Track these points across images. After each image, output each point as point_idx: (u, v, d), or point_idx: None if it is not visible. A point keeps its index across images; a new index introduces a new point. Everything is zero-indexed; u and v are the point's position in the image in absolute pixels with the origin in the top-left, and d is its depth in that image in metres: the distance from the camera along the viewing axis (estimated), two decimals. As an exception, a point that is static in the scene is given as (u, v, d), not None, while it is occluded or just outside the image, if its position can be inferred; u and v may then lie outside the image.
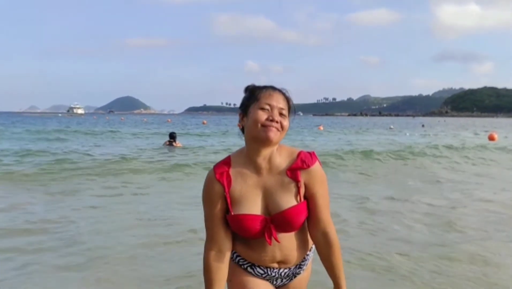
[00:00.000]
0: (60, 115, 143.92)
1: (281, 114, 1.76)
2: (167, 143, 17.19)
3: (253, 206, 1.77)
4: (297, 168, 1.78)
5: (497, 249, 4.61)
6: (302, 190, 1.79)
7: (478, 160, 14.33)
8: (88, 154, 14.04)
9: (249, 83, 1.85)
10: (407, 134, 34.30)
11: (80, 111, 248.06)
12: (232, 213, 1.78)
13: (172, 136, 17.39)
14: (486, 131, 37.45)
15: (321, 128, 46.00)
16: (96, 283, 3.74)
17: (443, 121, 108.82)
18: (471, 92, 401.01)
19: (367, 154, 14.46)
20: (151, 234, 5.13)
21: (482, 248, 4.60)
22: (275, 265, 1.86)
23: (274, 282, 1.92)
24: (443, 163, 13.31)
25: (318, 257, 1.89)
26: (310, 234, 1.88)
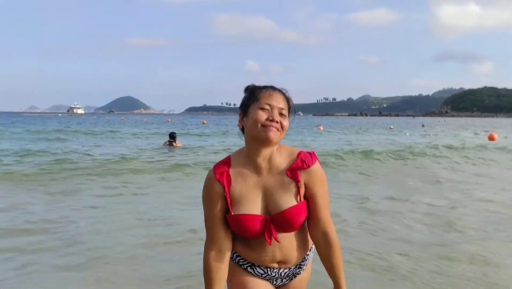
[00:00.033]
0: (60, 115, 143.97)
1: (281, 114, 1.76)
2: (167, 143, 17.19)
3: (253, 206, 1.77)
4: (297, 168, 1.78)
5: (497, 249, 4.61)
6: (302, 190, 1.79)
7: (478, 160, 14.33)
8: (88, 154, 14.04)
9: (249, 83, 1.86)
10: (407, 134, 34.31)
11: (80, 111, 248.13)
12: (232, 213, 1.78)
13: (172, 136, 17.39)
14: (486, 131, 37.45)
15: (321, 128, 46.00)
16: (96, 283, 3.74)
17: (443, 121, 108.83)
18: (471, 92, 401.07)
19: (367, 154, 14.47)
20: (151, 234, 5.13)
21: (482, 248, 4.60)
22: (275, 265, 1.86)
23: (274, 282, 1.92)
24: (443, 163, 13.31)
25: (318, 257, 1.89)
26: (310, 234, 1.88)
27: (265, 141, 1.73)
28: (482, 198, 7.53)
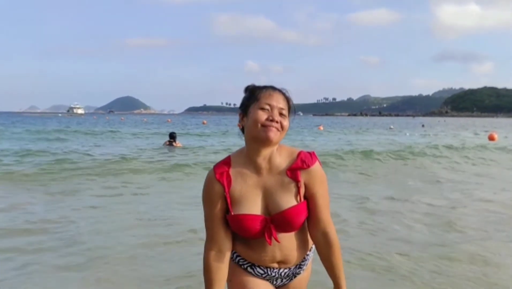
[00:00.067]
0: (60, 115, 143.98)
1: (281, 114, 1.76)
2: (167, 143, 17.19)
3: (253, 206, 1.77)
4: (297, 168, 1.78)
5: (497, 249, 4.61)
6: (302, 190, 1.79)
7: (478, 160, 14.33)
8: (88, 154, 14.04)
9: (249, 83, 1.86)
10: (407, 134, 34.31)
11: (80, 111, 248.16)
12: (232, 213, 1.78)
13: (172, 136, 17.39)
14: (486, 131, 37.46)
15: (321, 128, 46.01)
16: (96, 283, 3.74)
17: (443, 121, 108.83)
18: (471, 92, 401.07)
19: (367, 154, 14.47)
20: (151, 234, 5.13)
21: (482, 248, 4.60)
22: (275, 265, 1.86)
23: (274, 282, 1.92)
24: (443, 163, 13.31)
25: (318, 257, 1.89)
26: (310, 234, 1.88)
27: (265, 141, 1.73)
28: (482, 198, 7.53)
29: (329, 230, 1.82)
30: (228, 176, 1.79)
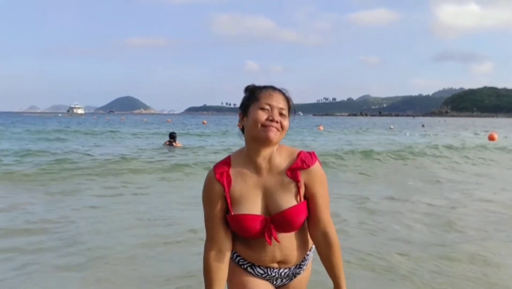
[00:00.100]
0: (60, 115, 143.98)
1: (281, 114, 1.76)
2: (167, 143, 17.19)
3: (253, 206, 1.77)
4: (297, 168, 1.78)
5: (497, 249, 4.61)
6: (302, 190, 1.79)
7: (478, 160, 14.33)
8: (88, 154, 14.04)
9: (249, 83, 1.86)
10: (407, 134, 34.31)
11: (80, 111, 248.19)
12: (232, 213, 1.78)
13: (172, 136, 17.39)
14: (486, 131, 37.46)
15: (321, 128, 46.01)
16: (96, 283, 3.74)
17: (443, 121, 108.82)
18: (471, 92, 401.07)
19: (367, 154, 14.46)
20: (151, 234, 5.13)
21: (482, 248, 4.60)
22: (275, 265, 1.86)
23: (274, 282, 1.92)
24: (443, 163, 13.31)
25: (318, 257, 1.89)
26: (310, 234, 1.87)
27: (265, 141, 1.73)
28: (482, 198, 7.53)
29: (329, 230, 1.82)
30: (228, 176, 1.79)
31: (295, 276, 1.93)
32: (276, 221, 1.77)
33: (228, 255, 1.84)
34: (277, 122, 1.73)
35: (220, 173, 1.80)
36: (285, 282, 1.93)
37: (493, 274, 3.91)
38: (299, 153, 1.81)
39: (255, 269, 1.87)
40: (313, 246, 1.93)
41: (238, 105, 1.87)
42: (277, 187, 1.78)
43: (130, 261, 4.23)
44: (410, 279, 3.79)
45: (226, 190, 1.78)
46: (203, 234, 1.86)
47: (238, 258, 1.89)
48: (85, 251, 4.50)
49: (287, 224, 1.78)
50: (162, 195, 7.76)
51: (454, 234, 5.24)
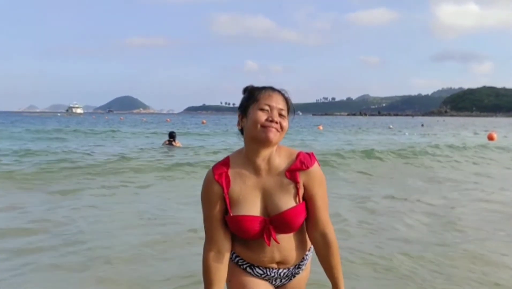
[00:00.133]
0: (59, 114, 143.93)
1: (280, 115, 1.76)
2: (167, 142, 17.18)
3: (252, 207, 1.77)
4: (296, 169, 1.78)
5: (497, 248, 4.61)
6: (301, 191, 1.79)
7: (478, 159, 14.33)
8: (88, 154, 14.05)
9: (248, 82, 1.86)
10: (406, 133, 34.32)
11: (79, 110, 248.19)
12: (231, 214, 1.77)
13: (172, 136, 17.38)
14: (485, 131, 37.46)
15: (321, 127, 46.01)
16: (96, 283, 3.73)
17: (443, 120, 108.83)
18: (471, 91, 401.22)
19: (367, 153, 14.43)
20: (151, 233, 5.13)
21: (482, 248, 4.60)
22: (274, 265, 1.86)
23: (273, 282, 1.92)
24: (443, 163, 13.31)
25: (317, 257, 1.89)
26: (308, 235, 1.87)
27: (265, 142, 1.72)
28: (482, 197, 7.53)
29: (327, 231, 1.82)
30: (227, 177, 1.79)
31: (294, 276, 1.93)
32: (275, 222, 1.77)
33: (227, 255, 1.84)
34: (276, 122, 1.73)
35: (219, 174, 1.80)
36: (284, 282, 1.93)
37: (493, 273, 3.91)
38: (298, 154, 1.81)
39: (254, 270, 1.87)
40: (312, 247, 1.93)
41: (237, 104, 1.87)
42: (276, 188, 1.78)
43: (130, 261, 4.23)
44: (410, 279, 3.78)
45: (225, 191, 1.78)
46: (203, 234, 1.86)
47: (237, 258, 1.89)
48: (85, 251, 4.49)
49: (286, 225, 1.78)
50: (162, 195, 7.76)
51: (454, 234, 5.23)
